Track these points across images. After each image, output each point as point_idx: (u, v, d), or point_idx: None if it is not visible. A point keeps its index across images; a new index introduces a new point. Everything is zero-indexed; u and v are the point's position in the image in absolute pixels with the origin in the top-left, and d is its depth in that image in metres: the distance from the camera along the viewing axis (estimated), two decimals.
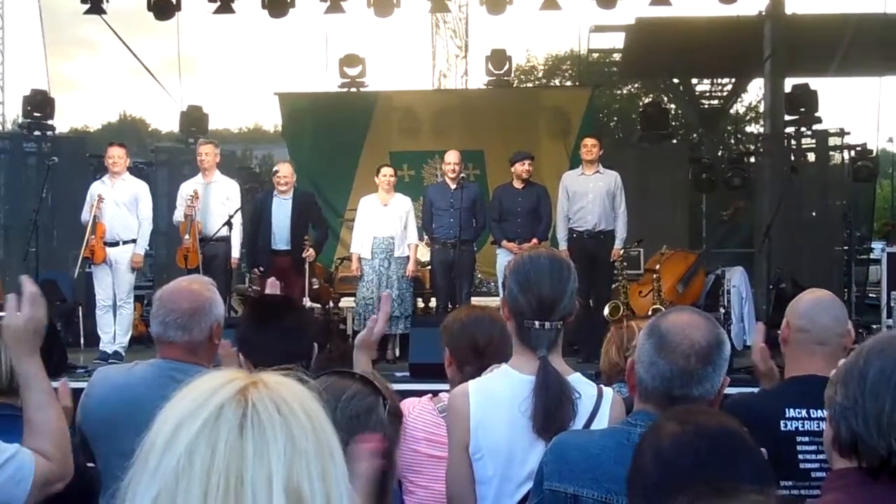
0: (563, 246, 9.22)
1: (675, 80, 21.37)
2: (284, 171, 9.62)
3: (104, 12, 13.14)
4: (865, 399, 1.77)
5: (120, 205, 9.11)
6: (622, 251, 9.39)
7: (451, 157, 9.56)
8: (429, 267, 10.31)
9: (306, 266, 9.20)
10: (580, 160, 9.70)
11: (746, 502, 1.00)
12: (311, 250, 9.23)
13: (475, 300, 9.52)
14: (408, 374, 7.57)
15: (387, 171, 9.57)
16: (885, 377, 1.77)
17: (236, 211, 9.28)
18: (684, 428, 1.77)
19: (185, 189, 9.44)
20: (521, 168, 9.44)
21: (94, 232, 8.92)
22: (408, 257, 9.44)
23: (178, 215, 9.41)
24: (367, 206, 9.57)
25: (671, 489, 1.55)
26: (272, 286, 3.35)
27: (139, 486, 1.13)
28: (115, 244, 9.05)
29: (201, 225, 9.19)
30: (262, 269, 9.33)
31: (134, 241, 9.14)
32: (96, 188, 9.21)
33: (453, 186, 9.41)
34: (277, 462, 1.12)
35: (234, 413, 1.14)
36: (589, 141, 9.58)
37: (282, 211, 9.42)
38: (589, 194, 9.33)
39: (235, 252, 9.50)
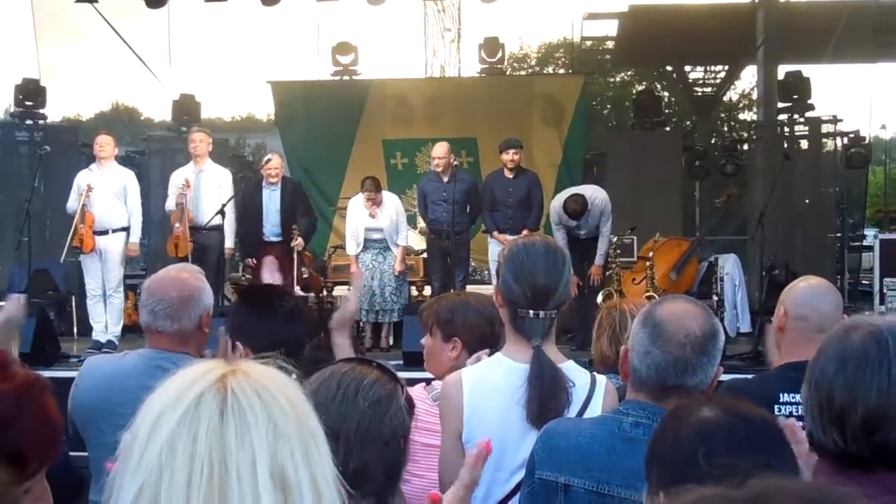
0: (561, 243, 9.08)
1: (669, 68, 21.36)
2: (276, 161, 9.59)
3: (96, 0, 13.08)
4: (811, 398, 1.77)
5: (109, 193, 9.04)
6: (601, 265, 9.21)
7: (438, 150, 9.41)
8: (423, 255, 10.30)
9: (295, 255, 9.16)
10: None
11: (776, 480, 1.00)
12: (299, 239, 9.17)
13: (469, 288, 9.50)
14: (401, 362, 7.56)
15: (365, 193, 9.27)
16: (825, 372, 1.77)
17: (229, 200, 9.22)
18: (720, 410, 1.75)
19: (177, 177, 9.38)
20: (506, 158, 9.34)
21: (82, 221, 8.86)
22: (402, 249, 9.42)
23: (170, 204, 9.35)
24: (356, 210, 9.43)
25: (698, 468, 1.54)
26: (270, 264, 3.33)
27: (124, 479, 1.13)
28: (104, 233, 8.99)
29: (192, 213, 9.15)
30: (255, 260, 9.31)
31: (123, 229, 9.08)
32: (83, 177, 9.13)
33: (445, 179, 9.35)
34: (260, 446, 1.11)
35: (214, 400, 1.13)
36: (570, 205, 8.87)
37: (272, 202, 9.39)
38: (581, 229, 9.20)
39: (229, 242, 9.41)
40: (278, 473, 1.11)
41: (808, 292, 2.92)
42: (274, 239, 9.37)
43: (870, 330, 1.77)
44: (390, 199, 9.52)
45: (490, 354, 2.75)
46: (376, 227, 9.29)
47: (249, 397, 1.14)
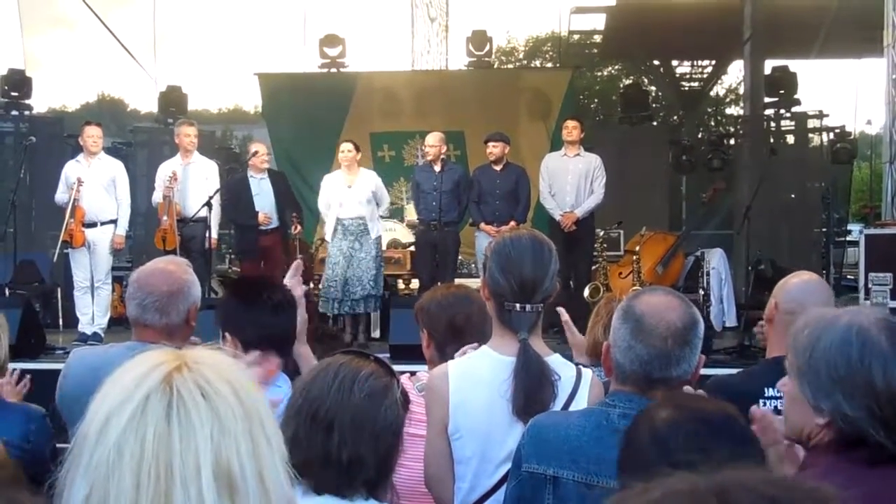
0: (557, 216, 9.21)
1: (656, 62, 21.37)
2: (264, 149, 9.73)
3: None
4: (871, 402, 1.75)
5: (98, 186, 9.00)
6: (577, 218, 9.19)
7: (431, 139, 9.43)
8: (411, 248, 10.28)
9: (297, 242, 9.23)
10: (561, 142, 9.70)
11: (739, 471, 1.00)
12: (299, 227, 9.27)
13: (457, 282, 9.49)
14: (388, 354, 7.56)
15: (344, 147, 9.25)
16: (852, 361, 1.76)
17: (216, 192, 9.20)
18: (682, 410, 1.78)
19: (164, 170, 9.34)
20: (486, 151, 9.44)
21: (73, 216, 8.82)
22: (380, 237, 9.38)
23: (157, 196, 9.31)
24: (331, 185, 9.31)
25: (664, 469, 1.56)
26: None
27: (74, 479, 1.13)
28: (93, 225, 8.95)
29: (180, 206, 9.11)
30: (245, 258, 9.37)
31: (112, 221, 9.05)
32: (72, 169, 9.07)
33: (437, 168, 9.35)
34: (205, 447, 1.12)
35: (160, 402, 1.14)
36: (570, 122, 9.56)
37: (263, 190, 9.42)
38: (568, 175, 9.33)
39: (214, 233, 9.39)
40: (224, 474, 1.12)
41: (800, 287, 2.92)
42: (270, 226, 9.42)
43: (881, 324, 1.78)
44: (367, 177, 9.32)
45: (456, 349, 2.77)
46: (355, 216, 9.14)
47: (194, 397, 1.14)
